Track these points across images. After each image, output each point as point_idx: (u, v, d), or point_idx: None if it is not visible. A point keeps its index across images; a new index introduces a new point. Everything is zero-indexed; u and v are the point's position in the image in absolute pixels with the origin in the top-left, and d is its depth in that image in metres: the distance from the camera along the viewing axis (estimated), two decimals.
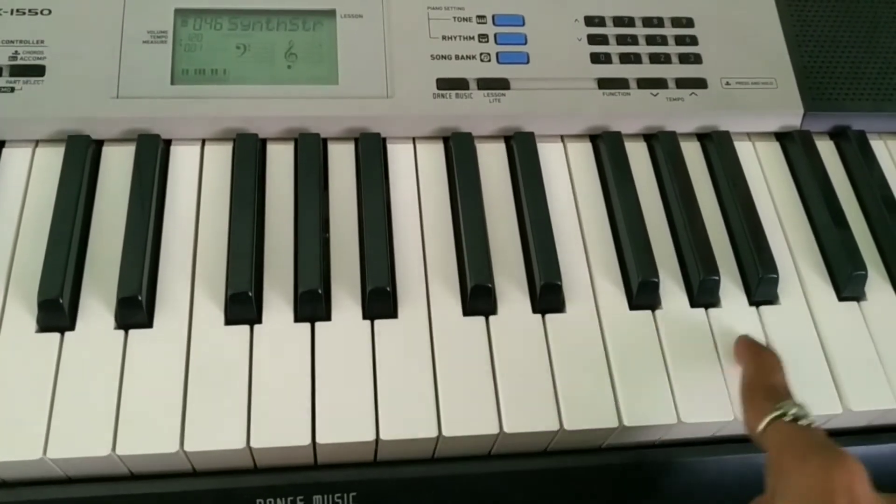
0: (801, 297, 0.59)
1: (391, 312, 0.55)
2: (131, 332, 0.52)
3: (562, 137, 0.65)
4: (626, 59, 0.65)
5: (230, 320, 0.53)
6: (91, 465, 0.49)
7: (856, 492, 0.41)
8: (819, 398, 0.54)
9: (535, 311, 0.56)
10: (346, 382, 0.51)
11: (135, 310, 0.52)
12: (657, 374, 0.54)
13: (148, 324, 0.53)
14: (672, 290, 0.58)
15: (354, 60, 0.62)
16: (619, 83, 0.64)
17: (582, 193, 0.62)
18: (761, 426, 0.47)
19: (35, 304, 0.52)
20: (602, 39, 0.65)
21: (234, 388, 0.51)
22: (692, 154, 0.65)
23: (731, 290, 0.58)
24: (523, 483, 0.54)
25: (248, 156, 0.59)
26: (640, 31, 0.66)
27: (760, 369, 0.52)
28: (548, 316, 0.56)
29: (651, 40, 0.66)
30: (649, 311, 0.57)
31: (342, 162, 0.61)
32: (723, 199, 0.63)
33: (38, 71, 0.59)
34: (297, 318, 0.54)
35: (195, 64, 0.61)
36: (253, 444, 0.49)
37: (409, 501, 0.53)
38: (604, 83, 0.64)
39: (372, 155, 0.60)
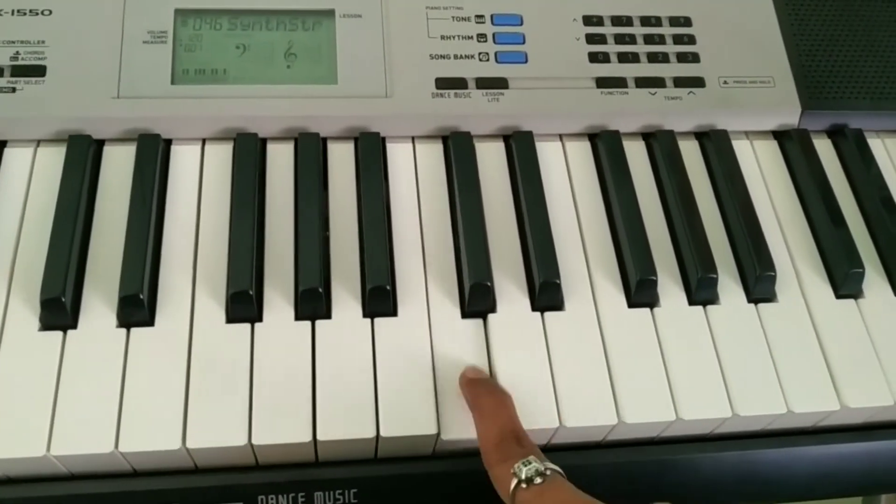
0: (799, 295, 0.59)
1: (391, 311, 0.55)
2: (133, 330, 0.52)
3: (560, 136, 0.65)
4: (624, 58, 0.65)
5: (231, 319, 0.54)
6: (94, 462, 0.49)
7: None
8: (816, 395, 0.54)
9: (534, 309, 0.56)
10: (346, 380, 0.52)
11: (136, 308, 0.52)
12: (656, 371, 0.54)
13: (149, 322, 0.53)
14: (670, 288, 0.58)
15: (353, 60, 0.62)
16: (618, 82, 0.64)
17: (580, 192, 0.62)
18: (509, 498, 0.45)
19: (37, 302, 0.52)
20: (600, 39, 0.66)
21: (236, 385, 0.51)
22: (690, 153, 0.65)
23: (729, 287, 0.59)
24: None
25: (249, 155, 0.59)
26: (638, 30, 0.66)
27: (483, 420, 0.49)
28: (547, 314, 0.56)
29: (649, 39, 0.66)
30: (648, 309, 0.57)
31: (342, 161, 0.61)
32: (721, 197, 0.63)
33: (39, 71, 0.59)
34: (298, 317, 0.54)
35: (195, 64, 0.61)
36: (254, 441, 0.49)
37: (409, 498, 0.53)
38: (602, 82, 0.64)
39: (371, 154, 0.61)
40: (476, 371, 0.53)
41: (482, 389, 0.51)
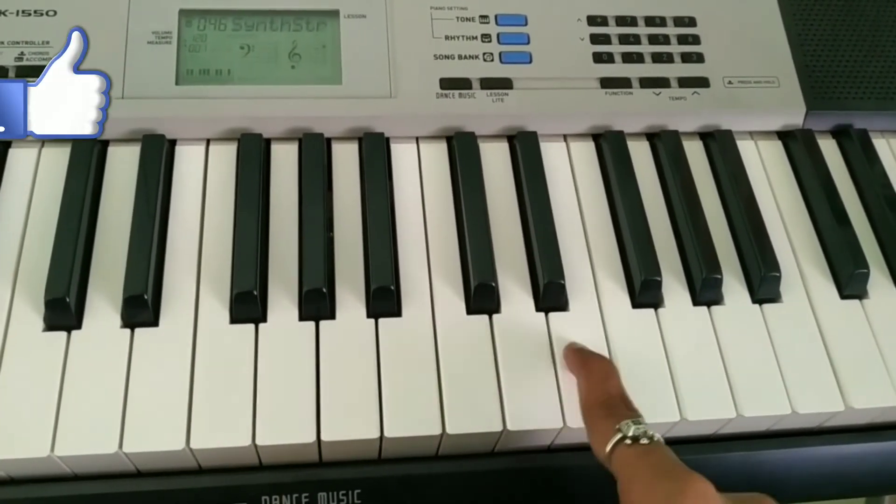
0: (804, 296, 0.59)
1: (395, 311, 0.55)
2: (137, 330, 0.53)
3: (565, 137, 0.65)
4: (628, 58, 0.65)
5: (235, 319, 0.54)
6: (98, 462, 0.49)
7: None
8: (821, 395, 0.54)
9: (538, 309, 0.56)
10: (350, 380, 0.52)
11: (141, 308, 0.52)
12: (659, 372, 0.54)
13: (154, 322, 0.53)
14: (675, 289, 0.58)
15: (358, 60, 0.62)
16: (622, 82, 0.64)
17: (585, 192, 0.62)
18: (605, 452, 0.45)
19: (42, 303, 0.52)
20: (605, 39, 0.66)
21: (240, 386, 0.51)
22: (695, 153, 0.65)
23: (733, 288, 0.59)
24: (527, 480, 0.54)
25: (253, 155, 0.59)
26: (642, 30, 0.66)
27: (591, 381, 0.50)
28: (551, 314, 0.56)
29: (653, 39, 0.66)
30: (652, 310, 0.57)
31: (346, 161, 0.62)
32: (725, 197, 0.63)
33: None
34: (302, 317, 0.54)
35: (200, 64, 0.62)
36: (258, 441, 0.49)
37: (412, 499, 0.53)
38: (606, 82, 0.64)
39: (376, 154, 0.61)
40: (580, 345, 0.54)
41: (594, 356, 0.53)
